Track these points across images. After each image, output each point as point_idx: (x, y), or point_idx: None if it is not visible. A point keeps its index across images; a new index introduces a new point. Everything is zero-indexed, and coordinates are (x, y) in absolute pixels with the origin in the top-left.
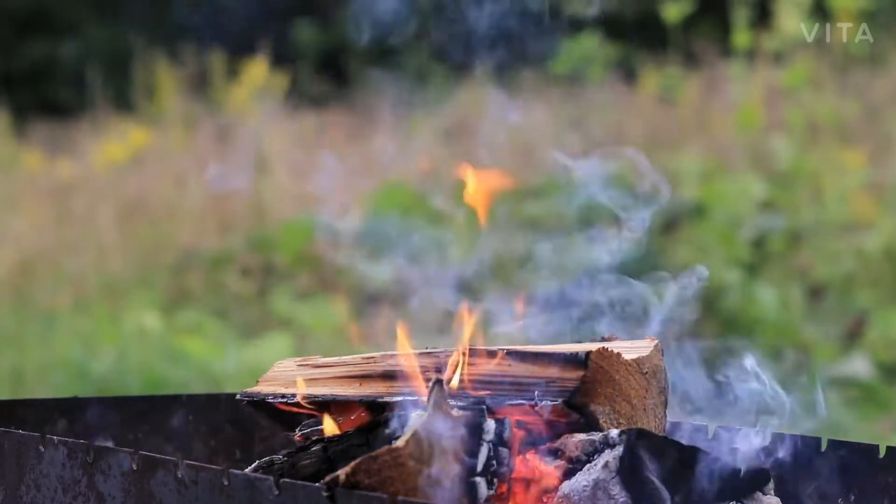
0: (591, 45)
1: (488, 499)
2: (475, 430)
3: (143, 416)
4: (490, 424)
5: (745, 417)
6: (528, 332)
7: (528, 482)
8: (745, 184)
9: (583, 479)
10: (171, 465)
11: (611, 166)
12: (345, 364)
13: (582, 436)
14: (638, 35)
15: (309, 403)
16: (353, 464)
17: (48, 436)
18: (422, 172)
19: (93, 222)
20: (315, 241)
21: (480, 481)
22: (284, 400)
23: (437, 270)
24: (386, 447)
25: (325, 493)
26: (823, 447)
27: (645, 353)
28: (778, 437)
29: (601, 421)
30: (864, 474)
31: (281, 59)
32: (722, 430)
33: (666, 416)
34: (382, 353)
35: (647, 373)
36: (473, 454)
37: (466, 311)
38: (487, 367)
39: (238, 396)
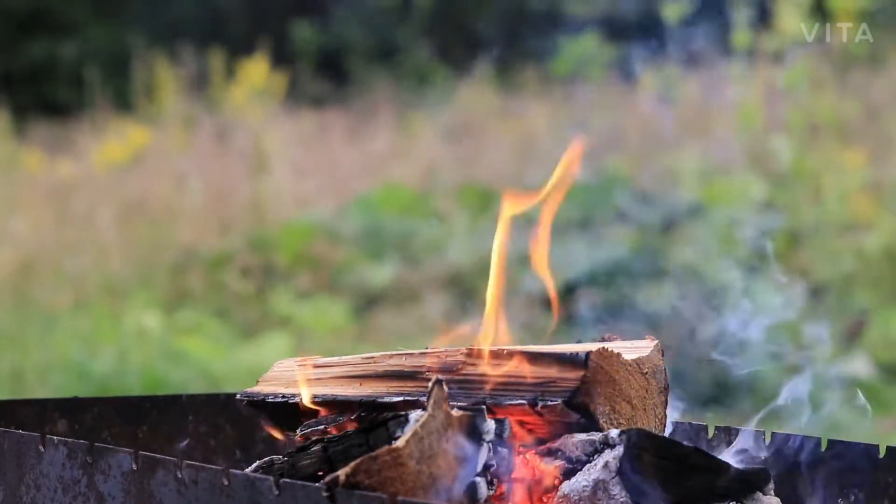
0: (590, 45)
1: (488, 499)
2: (475, 430)
3: (143, 416)
4: (490, 424)
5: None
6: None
7: (528, 482)
8: (745, 184)
9: (583, 479)
10: (171, 465)
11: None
12: (345, 364)
13: (582, 436)
14: (637, 35)
15: (309, 403)
16: (353, 464)
17: (48, 436)
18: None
19: (93, 222)
20: (315, 241)
21: (480, 481)
22: (284, 400)
23: (436, 269)
24: (386, 447)
25: (325, 493)
26: (823, 447)
27: (645, 353)
28: (778, 437)
29: (601, 421)
30: (864, 474)
31: (280, 59)
32: (722, 430)
33: (666, 417)
34: (382, 353)
35: (647, 373)
36: (473, 454)
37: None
38: (488, 366)
39: (238, 396)
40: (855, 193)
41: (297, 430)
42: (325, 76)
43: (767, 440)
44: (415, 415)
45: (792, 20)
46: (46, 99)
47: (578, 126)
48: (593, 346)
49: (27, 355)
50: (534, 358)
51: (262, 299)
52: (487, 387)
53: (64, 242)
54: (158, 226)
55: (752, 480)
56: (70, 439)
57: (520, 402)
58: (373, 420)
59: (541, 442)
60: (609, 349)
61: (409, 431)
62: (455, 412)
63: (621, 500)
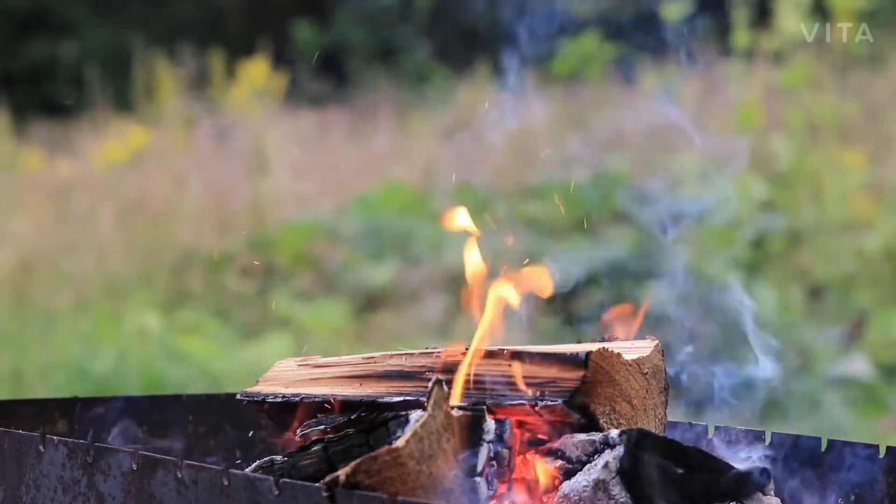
0: (591, 44)
1: (488, 499)
2: (475, 430)
3: (143, 416)
4: (490, 424)
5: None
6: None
7: (528, 482)
8: (745, 184)
9: (583, 479)
10: (171, 465)
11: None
12: (345, 364)
13: (582, 436)
14: (637, 35)
15: (308, 403)
16: (353, 464)
17: (48, 436)
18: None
19: (93, 222)
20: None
21: (480, 481)
22: (285, 400)
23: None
24: (386, 447)
25: (325, 493)
26: (823, 447)
27: (645, 353)
28: (778, 437)
29: (601, 421)
30: (864, 474)
31: (280, 59)
32: (722, 430)
33: (666, 417)
34: (382, 353)
35: (647, 373)
36: (473, 454)
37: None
38: (488, 366)
39: (238, 396)
40: (855, 193)
41: (297, 430)
42: (326, 76)
43: (767, 440)
44: (415, 415)
45: (792, 20)
46: (46, 99)
47: (578, 126)
48: (593, 346)
49: (27, 355)
50: (534, 358)
51: (262, 299)
52: (487, 387)
53: (64, 242)
54: (158, 226)
55: (752, 480)
56: (70, 439)
57: (520, 402)
58: (373, 420)
59: (541, 442)
60: (609, 349)
61: (409, 431)
62: (455, 412)
63: (621, 500)
